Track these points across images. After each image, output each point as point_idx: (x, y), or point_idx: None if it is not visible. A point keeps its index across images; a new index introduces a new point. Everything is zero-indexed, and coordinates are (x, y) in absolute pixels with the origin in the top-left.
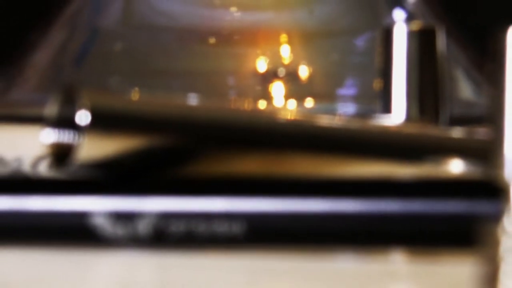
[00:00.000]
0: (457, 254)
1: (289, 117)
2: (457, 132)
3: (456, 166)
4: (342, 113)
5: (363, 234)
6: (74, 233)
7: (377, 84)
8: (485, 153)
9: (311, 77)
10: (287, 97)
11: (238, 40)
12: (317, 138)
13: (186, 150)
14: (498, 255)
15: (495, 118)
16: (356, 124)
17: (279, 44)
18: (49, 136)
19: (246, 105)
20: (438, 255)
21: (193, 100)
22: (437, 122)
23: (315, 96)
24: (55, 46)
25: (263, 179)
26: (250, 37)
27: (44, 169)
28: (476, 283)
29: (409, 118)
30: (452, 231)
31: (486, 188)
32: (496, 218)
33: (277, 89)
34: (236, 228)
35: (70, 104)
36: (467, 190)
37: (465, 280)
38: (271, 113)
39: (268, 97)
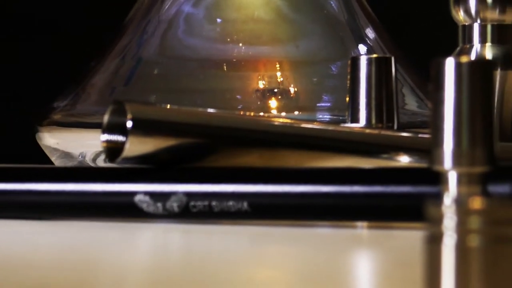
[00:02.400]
0: (408, 223)
1: (282, 123)
2: (406, 134)
3: (406, 159)
4: (321, 120)
5: (336, 208)
6: (123, 207)
7: (346, 99)
8: (427, 149)
9: (297, 94)
10: (280, 108)
11: (244, 67)
12: (302, 139)
13: (205, 147)
14: (440, 222)
15: (434, 124)
16: (331, 129)
17: (274, 69)
18: (104, 137)
19: (250, 115)
20: (393, 224)
21: (210, 111)
22: (391, 127)
23: (300, 108)
24: (109, 71)
25: (262, 169)
26: (253, 64)
27: (101, 162)
28: (423, 243)
29: (370, 124)
30: (404, 206)
31: (429, 175)
32: (437, 196)
33: (273, 103)
34: (242, 205)
35: (119, 114)
36: (415, 177)
37: (414, 241)
38: (269, 120)
39: (266, 109)
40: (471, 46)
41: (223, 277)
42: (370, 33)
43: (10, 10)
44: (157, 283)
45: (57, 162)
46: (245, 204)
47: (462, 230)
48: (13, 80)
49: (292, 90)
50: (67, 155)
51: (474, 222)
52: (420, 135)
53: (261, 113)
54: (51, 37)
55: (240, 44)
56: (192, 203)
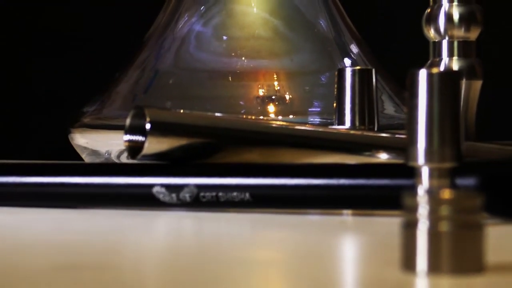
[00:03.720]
0: (387, 211)
1: (278, 125)
2: (385, 135)
3: (385, 156)
4: (312, 123)
5: (325, 198)
6: (142, 198)
7: (334, 105)
8: (403, 147)
9: (292, 100)
10: (277, 113)
11: (246, 77)
12: (296, 139)
13: (213, 146)
14: (415, 210)
15: (409, 126)
16: (320, 130)
17: (272, 80)
18: (126, 138)
19: (252, 118)
20: (374, 211)
21: (218, 115)
22: (372, 129)
23: (294, 112)
24: (131, 81)
25: (262, 165)
26: (254, 75)
27: (124, 158)
28: (401, 228)
29: (354, 126)
30: (384, 196)
31: (405, 170)
32: (412, 188)
33: (271, 108)
34: (245, 195)
35: (140, 118)
36: (393, 171)
37: (393, 227)
38: (267, 123)
39: (265, 113)
40: (441, 60)
41: (229, 256)
42: (354, 48)
43: (49, 27)
44: (172, 261)
45: (87, 158)
46: (247, 195)
47: (434, 217)
48: (50, 88)
49: (287, 97)
50: (95, 152)
51: (444, 210)
52: (397, 136)
53: (261, 117)
54: (82, 51)
55: (243, 58)
56: (202, 194)
